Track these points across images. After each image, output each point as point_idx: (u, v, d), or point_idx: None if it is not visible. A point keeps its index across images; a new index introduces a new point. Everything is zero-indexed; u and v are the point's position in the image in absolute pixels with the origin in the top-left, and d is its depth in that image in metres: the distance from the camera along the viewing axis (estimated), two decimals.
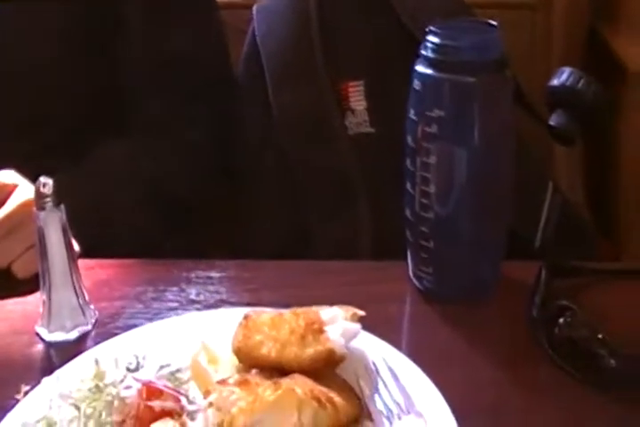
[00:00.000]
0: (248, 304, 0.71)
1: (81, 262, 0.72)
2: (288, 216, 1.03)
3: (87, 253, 0.79)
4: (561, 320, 0.65)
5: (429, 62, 0.66)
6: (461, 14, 1.07)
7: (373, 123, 1.02)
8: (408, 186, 0.71)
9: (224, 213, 1.03)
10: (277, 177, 1.03)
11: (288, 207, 1.02)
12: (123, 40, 0.95)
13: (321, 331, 0.55)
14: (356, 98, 1.04)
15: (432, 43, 0.66)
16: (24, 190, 0.76)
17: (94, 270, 0.79)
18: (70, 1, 0.91)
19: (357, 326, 0.57)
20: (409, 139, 0.69)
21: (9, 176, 0.78)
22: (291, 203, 1.02)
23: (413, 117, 0.68)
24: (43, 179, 0.66)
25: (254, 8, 1.09)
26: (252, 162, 1.04)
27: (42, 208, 0.67)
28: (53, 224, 0.67)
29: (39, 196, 0.67)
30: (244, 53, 1.09)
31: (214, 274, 0.78)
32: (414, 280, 0.74)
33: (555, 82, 0.79)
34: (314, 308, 0.58)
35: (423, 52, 0.67)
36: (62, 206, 0.67)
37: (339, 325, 0.56)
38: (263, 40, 1.06)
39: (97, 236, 0.83)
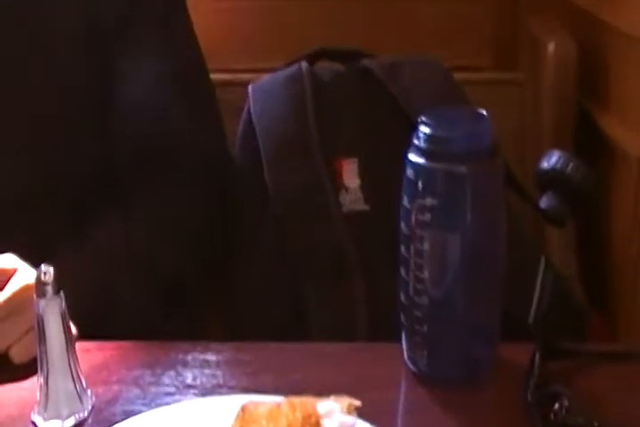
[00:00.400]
0: (245, 389, 0.71)
1: (79, 345, 0.73)
2: (285, 293, 1.04)
3: (85, 333, 0.80)
4: (556, 406, 0.66)
5: (421, 152, 0.68)
6: (452, 93, 1.10)
7: (367, 200, 1.04)
8: (402, 272, 0.72)
9: (222, 290, 1.03)
10: (275, 254, 1.04)
11: (285, 284, 1.03)
12: (119, 121, 0.96)
13: (318, 425, 0.55)
14: (350, 175, 1.06)
15: (424, 133, 0.68)
16: (24, 275, 0.77)
17: (92, 353, 0.79)
18: (69, 86, 0.94)
19: (353, 418, 0.58)
20: (403, 226, 0.70)
21: (9, 260, 0.79)
22: (288, 280, 1.02)
23: (407, 205, 0.70)
24: (44, 267, 0.67)
25: (250, 87, 1.12)
26: (250, 239, 1.05)
27: (42, 295, 0.68)
28: (53, 311, 0.68)
29: (40, 283, 0.68)
30: (239, 132, 1.11)
31: (211, 357, 0.78)
32: (409, 363, 0.75)
33: (544, 165, 0.81)
34: (311, 399, 0.59)
35: (415, 141, 0.69)
36: (62, 294, 0.68)
37: (335, 418, 0.56)
38: (258, 119, 1.08)
39: (96, 317, 0.84)
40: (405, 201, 0.70)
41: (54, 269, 0.67)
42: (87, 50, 0.94)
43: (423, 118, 0.69)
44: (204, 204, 1.00)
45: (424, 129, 0.68)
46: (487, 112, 0.72)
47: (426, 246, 0.68)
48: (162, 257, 0.93)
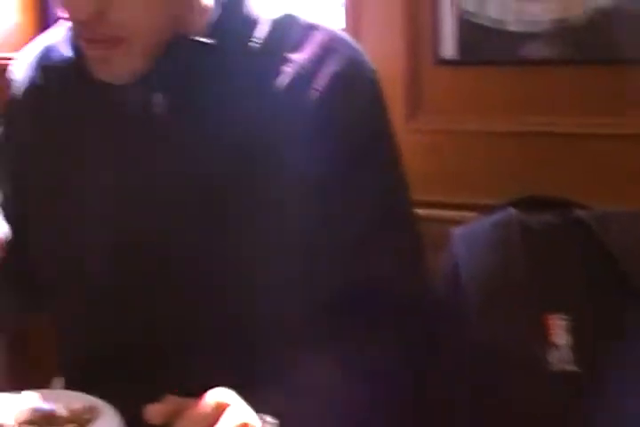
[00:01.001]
0: None
1: None
2: None
3: None
4: None
5: None
6: None
7: (578, 361, 0.98)
8: None
9: None
10: (471, 407, 0.99)
11: None
12: (323, 264, 0.95)
13: None
14: (559, 332, 1.00)
15: None
16: (236, 411, 0.75)
17: None
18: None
19: None
20: None
21: (224, 395, 0.77)
22: None
23: None
24: (268, 418, 0.66)
25: (455, 232, 1.10)
26: (445, 392, 1.01)
27: None
28: None
29: None
30: (442, 275, 1.08)
31: None
32: None
33: None
34: None
35: None
36: None
37: None
38: (464, 265, 1.05)
39: None
40: None
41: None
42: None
43: None
44: (400, 349, 0.96)
45: None
46: None
47: None
48: (355, 401, 0.90)
